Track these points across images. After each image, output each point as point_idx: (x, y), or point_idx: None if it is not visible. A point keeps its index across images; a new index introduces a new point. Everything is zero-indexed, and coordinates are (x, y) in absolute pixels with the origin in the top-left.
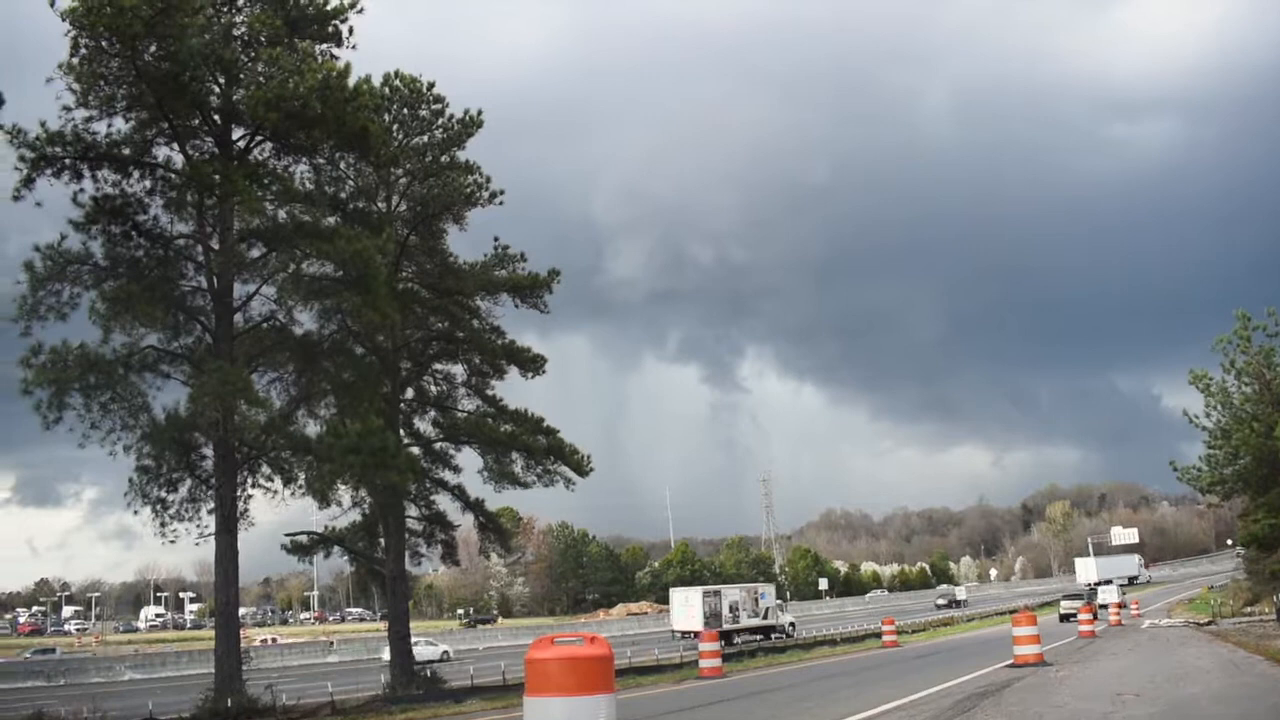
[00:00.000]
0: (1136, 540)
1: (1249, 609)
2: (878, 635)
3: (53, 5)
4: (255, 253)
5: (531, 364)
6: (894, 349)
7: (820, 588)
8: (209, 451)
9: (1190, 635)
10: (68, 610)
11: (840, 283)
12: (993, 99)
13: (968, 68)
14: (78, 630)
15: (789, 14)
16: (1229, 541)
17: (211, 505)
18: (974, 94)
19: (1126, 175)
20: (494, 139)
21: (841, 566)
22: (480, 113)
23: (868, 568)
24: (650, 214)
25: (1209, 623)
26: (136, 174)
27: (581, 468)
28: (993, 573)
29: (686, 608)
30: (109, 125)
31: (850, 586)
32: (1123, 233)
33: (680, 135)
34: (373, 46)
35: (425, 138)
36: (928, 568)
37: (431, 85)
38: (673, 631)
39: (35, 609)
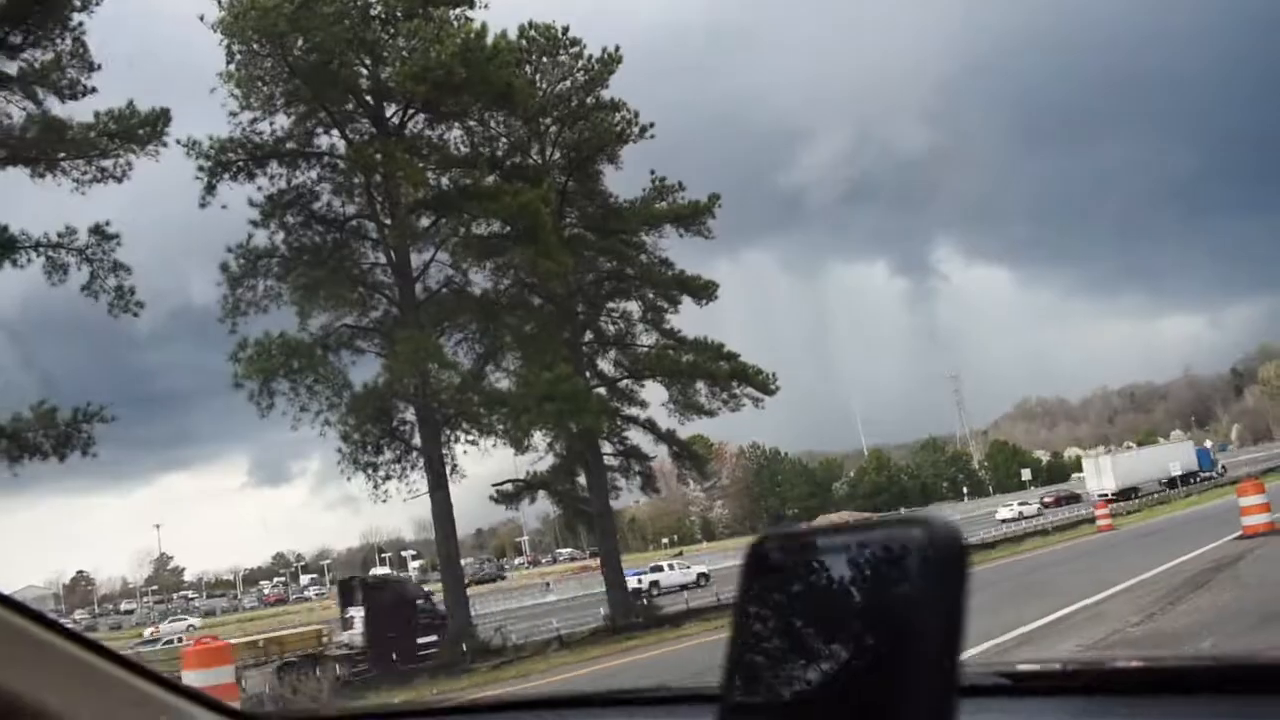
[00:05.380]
0: None
1: None
2: (1091, 520)
3: (203, 19)
4: (425, 222)
5: (703, 291)
6: (1100, 220)
7: (1024, 479)
8: (409, 416)
9: None
10: (305, 579)
11: (1031, 155)
12: None
13: None
14: (316, 595)
15: None
16: None
17: (417, 464)
18: None
19: None
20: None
21: (1043, 456)
22: (618, 48)
23: (1070, 454)
24: (834, 109)
25: None
26: (304, 165)
27: (766, 387)
28: (1208, 444)
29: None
30: (271, 123)
31: (1054, 475)
32: None
33: (859, 22)
34: None
35: (568, 83)
36: (1134, 445)
37: (566, 29)
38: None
39: (276, 580)
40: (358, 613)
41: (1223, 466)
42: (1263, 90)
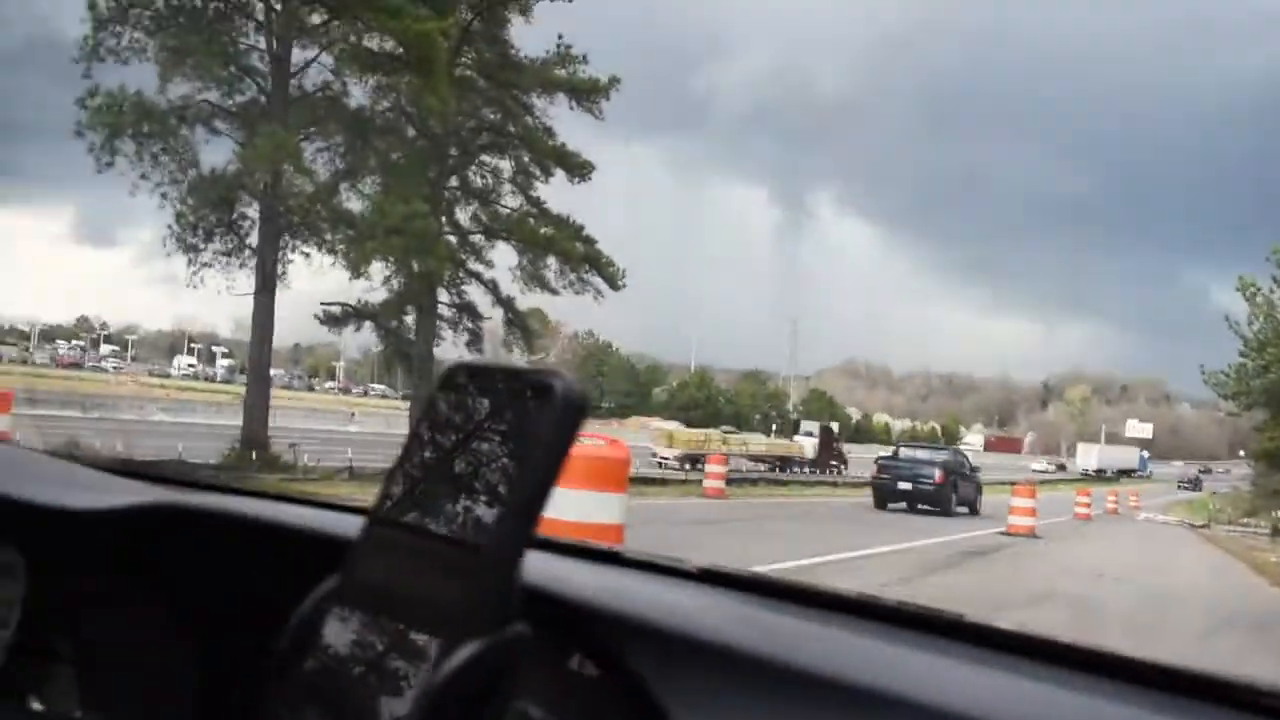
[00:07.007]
0: (1150, 436)
1: (1245, 519)
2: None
3: None
4: (316, 18)
5: (580, 169)
6: (971, 210)
7: (806, 430)
8: (251, 211)
9: (1183, 534)
10: (105, 348)
11: (940, 135)
12: None
13: None
14: (113, 368)
15: None
16: (1240, 453)
17: (245, 261)
18: None
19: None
20: None
21: (855, 414)
22: None
23: (880, 419)
24: (763, 32)
25: (1203, 526)
26: None
27: (614, 281)
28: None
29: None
30: None
31: (860, 434)
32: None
33: None
34: None
35: None
36: (938, 428)
37: None
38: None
39: (74, 343)
40: (809, 440)
41: (1151, 470)
42: (1175, 142)
